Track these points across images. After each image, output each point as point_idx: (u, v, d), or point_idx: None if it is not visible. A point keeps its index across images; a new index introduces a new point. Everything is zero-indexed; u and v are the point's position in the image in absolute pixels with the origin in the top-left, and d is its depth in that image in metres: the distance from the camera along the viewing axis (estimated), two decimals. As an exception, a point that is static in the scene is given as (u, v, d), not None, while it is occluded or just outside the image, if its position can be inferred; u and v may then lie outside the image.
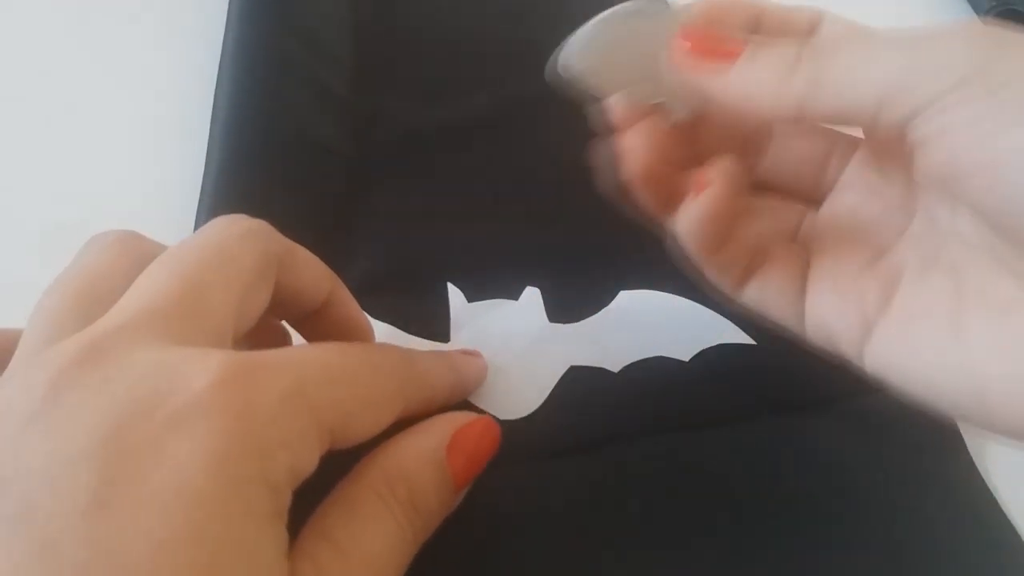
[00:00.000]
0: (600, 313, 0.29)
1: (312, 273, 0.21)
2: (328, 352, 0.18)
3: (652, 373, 0.27)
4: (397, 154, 0.34)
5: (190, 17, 0.41)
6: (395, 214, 0.31)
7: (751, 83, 0.19)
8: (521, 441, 0.25)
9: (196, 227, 0.30)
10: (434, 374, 0.22)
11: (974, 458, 0.26)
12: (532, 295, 0.29)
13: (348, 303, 0.22)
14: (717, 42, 0.19)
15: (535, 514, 0.24)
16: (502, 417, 0.25)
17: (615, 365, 0.27)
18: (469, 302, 0.28)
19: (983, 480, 0.26)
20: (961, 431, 0.27)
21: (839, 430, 0.26)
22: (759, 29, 0.21)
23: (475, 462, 0.20)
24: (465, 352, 0.26)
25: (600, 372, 0.27)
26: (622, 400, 0.26)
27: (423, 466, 0.19)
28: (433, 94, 0.36)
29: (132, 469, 0.13)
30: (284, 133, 0.33)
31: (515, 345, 0.27)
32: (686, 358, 0.27)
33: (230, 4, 0.38)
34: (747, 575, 0.23)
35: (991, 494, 0.26)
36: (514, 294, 0.29)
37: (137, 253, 0.19)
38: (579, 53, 0.21)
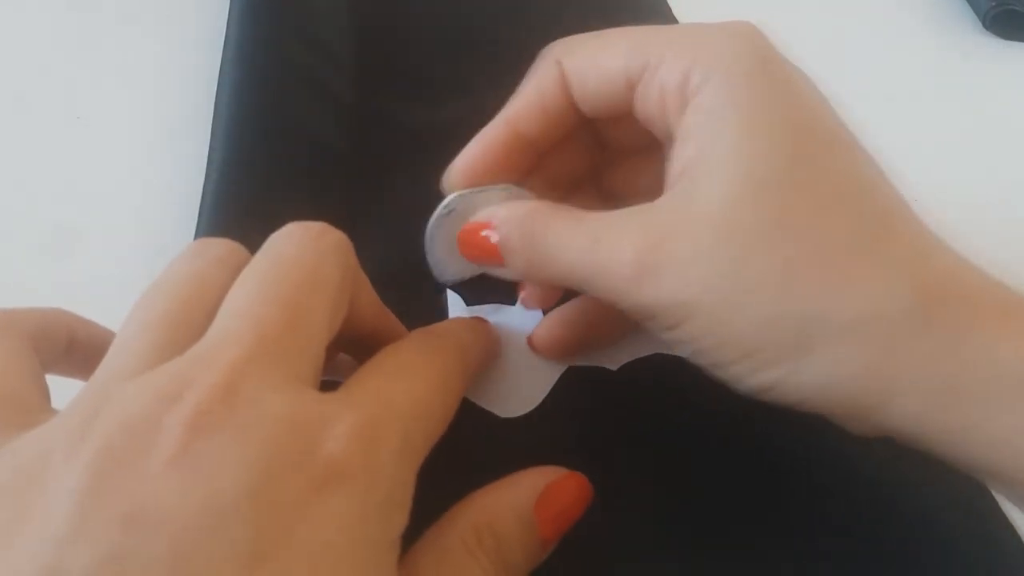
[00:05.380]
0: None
1: (370, 297, 0.21)
2: (412, 382, 0.19)
3: (651, 370, 0.27)
4: (397, 154, 0.34)
5: (191, 17, 0.41)
6: (395, 214, 0.31)
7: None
8: (520, 439, 0.25)
9: (197, 229, 0.30)
10: (476, 355, 0.24)
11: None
12: None
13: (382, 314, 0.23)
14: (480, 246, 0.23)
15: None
16: (502, 415, 0.26)
17: (614, 363, 0.27)
18: (468, 306, 0.28)
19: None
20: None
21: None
22: None
23: (564, 518, 0.20)
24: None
25: (599, 370, 0.27)
26: (621, 397, 0.26)
27: (511, 519, 0.19)
28: (434, 94, 0.36)
29: (281, 526, 0.14)
30: (285, 133, 0.33)
31: (514, 345, 0.27)
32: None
33: (231, 4, 0.38)
34: (750, 574, 0.24)
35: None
36: (512, 299, 0.29)
37: (235, 264, 0.19)
38: (431, 228, 0.24)
